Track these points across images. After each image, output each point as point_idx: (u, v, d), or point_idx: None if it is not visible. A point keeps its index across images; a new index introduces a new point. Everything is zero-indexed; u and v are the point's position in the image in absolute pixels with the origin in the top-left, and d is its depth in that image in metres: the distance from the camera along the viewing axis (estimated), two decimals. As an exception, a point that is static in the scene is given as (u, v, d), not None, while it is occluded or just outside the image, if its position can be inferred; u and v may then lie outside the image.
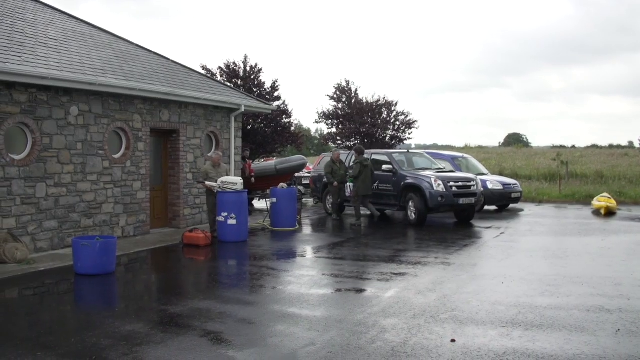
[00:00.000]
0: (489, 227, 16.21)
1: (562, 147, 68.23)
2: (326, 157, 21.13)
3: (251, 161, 20.01)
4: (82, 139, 12.85)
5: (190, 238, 13.10)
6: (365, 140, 32.17)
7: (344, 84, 34.35)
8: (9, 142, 11.49)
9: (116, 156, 13.83)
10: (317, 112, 34.78)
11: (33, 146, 11.85)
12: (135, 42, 17.91)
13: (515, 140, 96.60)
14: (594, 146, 68.25)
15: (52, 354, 6.12)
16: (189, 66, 18.53)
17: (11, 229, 11.35)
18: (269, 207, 16.33)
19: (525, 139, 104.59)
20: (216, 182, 13.79)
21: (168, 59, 17.99)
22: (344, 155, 20.15)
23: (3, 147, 11.22)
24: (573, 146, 70.45)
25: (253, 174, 19.32)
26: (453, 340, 6.53)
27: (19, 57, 11.61)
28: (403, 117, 33.34)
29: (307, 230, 16.26)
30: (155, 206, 15.29)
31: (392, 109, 33.37)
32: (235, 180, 13.83)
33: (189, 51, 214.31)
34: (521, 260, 11.45)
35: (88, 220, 13.00)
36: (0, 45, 11.71)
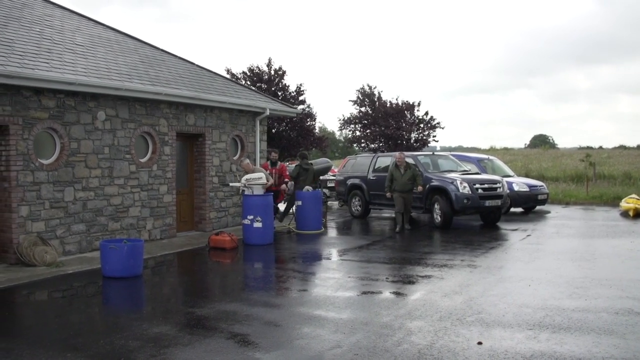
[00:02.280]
0: (515, 230, 16.09)
1: (589, 148, 67.34)
2: (351, 160, 21.12)
3: (283, 164, 17.62)
4: (109, 143, 12.99)
5: (216, 241, 13.17)
6: (390, 143, 32.11)
7: (366, 88, 34.35)
8: (38, 147, 11.65)
9: (143, 160, 13.96)
10: (339, 120, 34.80)
11: (61, 151, 12.01)
12: (161, 47, 18.08)
13: (541, 142, 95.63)
14: (622, 147, 67.30)
15: (81, 356, 6.19)
16: (213, 70, 18.65)
17: (40, 233, 11.50)
18: (294, 210, 16.37)
19: (551, 140, 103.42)
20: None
21: (193, 64, 18.12)
22: (366, 158, 20.10)
23: (32, 151, 11.38)
24: (600, 147, 69.52)
25: (288, 180, 16.59)
26: (480, 343, 6.50)
27: (47, 63, 11.77)
28: (427, 119, 33.23)
29: (332, 232, 16.27)
30: (181, 209, 15.40)
31: (416, 111, 33.28)
32: (259, 175, 14.00)
33: (212, 55, 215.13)
34: (548, 262, 11.34)
35: (115, 223, 13.13)
36: (29, 52, 11.89)
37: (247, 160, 14.91)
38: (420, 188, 16.11)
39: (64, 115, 11.99)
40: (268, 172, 15.21)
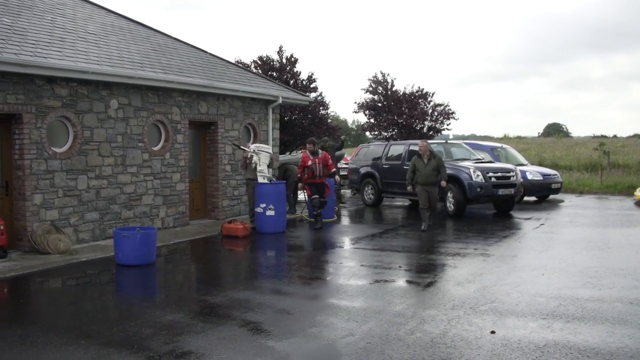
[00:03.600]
0: (529, 218, 16.01)
1: (603, 136, 66.89)
2: (364, 148, 21.08)
3: (326, 153, 15.17)
4: (122, 131, 13.01)
5: (229, 229, 13.20)
6: (403, 131, 31.96)
7: (379, 75, 34.13)
8: (51, 135, 11.68)
9: (155, 148, 13.98)
10: (356, 103, 34.59)
11: (74, 139, 12.04)
12: (173, 35, 18.06)
13: (554, 130, 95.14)
14: (637, 135, 66.68)
15: (95, 343, 6.22)
16: (225, 58, 18.61)
17: (54, 221, 11.56)
18: (306, 199, 16.34)
19: (565, 129, 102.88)
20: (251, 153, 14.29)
21: (205, 52, 18.09)
22: (378, 146, 20.12)
23: (45, 140, 11.42)
24: (615, 136, 69.06)
25: (334, 169, 15.42)
26: (493, 332, 6.48)
27: (60, 52, 11.78)
28: (441, 107, 33.03)
29: (345, 221, 16.25)
30: (194, 197, 15.44)
31: (429, 99, 33.07)
32: (267, 146, 14.51)
33: (222, 44, 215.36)
34: (562, 251, 11.28)
35: (128, 211, 13.17)
36: (41, 40, 11.90)
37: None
38: (444, 183, 14.38)
39: (77, 103, 12.02)
40: (310, 162, 14.28)
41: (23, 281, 9.28)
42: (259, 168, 13.93)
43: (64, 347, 6.09)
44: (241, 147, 14.79)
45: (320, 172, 14.42)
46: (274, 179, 14.88)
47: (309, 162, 14.41)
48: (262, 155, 14.10)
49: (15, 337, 6.47)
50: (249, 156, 14.22)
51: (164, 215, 14.12)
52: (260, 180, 13.93)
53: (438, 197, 14.68)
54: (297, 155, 23.12)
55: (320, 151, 14.74)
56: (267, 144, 14.68)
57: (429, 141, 19.69)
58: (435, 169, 14.14)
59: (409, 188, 14.73)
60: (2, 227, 10.52)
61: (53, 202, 11.59)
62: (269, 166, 14.58)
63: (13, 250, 11.11)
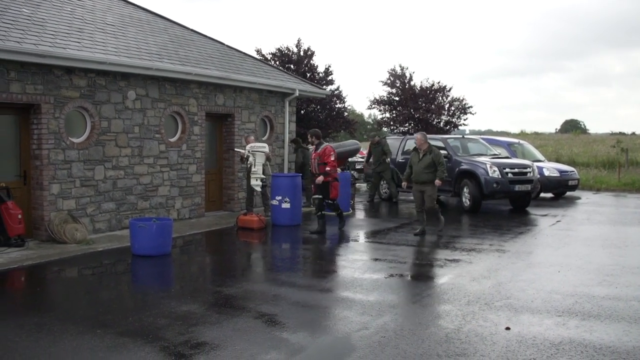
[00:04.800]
0: (545, 215, 15.91)
1: (621, 134, 66.42)
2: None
3: (328, 146, 13.26)
4: (139, 122, 13.06)
5: (244, 221, 13.22)
6: (420, 126, 31.86)
7: (397, 69, 34.05)
8: (69, 125, 11.75)
9: (172, 140, 14.02)
10: (369, 99, 34.53)
11: (92, 130, 12.10)
12: (190, 26, 18.09)
13: (572, 127, 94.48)
14: (656, 133, 66.21)
15: (110, 332, 6.25)
16: (243, 51, 18.62)
17: (71, 210, 11.63)
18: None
19: (582, 126, 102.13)
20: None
21: (223, 44, 18.11)
22: (395, 140, 20.12)
23: (63, 130, 11.49)
24: (633, 133, 68.46)
25: (329, 168, 12.76)
26: (508, 328, 6.45)
27: (79, 42, 11.84)
28: (458, 102, 32.90)
29: (360, 215, 16.23)
30: (210, 189, 15.48)
31: (447, 94, 32.95)
32: (263, 145, 13.87)
33: (241, 36, 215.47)
34: (578, 249, 11.21)
35: (144, 202, 13.23)
36: (60, 31, 11.96)
37: (252, 137, 14.91)
38: (438, 182, 12.44)
39: (95, 94, 12.07)
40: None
41: (40, 270, 9.35)
42: (253, 169, 13.51)
43: (80, 336, 6.14)
44: (235, 149, 14.69)
45: (316, 168, 12.90)
46: (267, 181, 14.27)
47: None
48: (258, 155, 13.55)
49: (32, 325, 6.52)
50: (245, 156, 13.74)
51: (179, 207, 14.17)
52: (253, 182, 13.55)
53: (435, 197, 12.82)
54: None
55: (323, 144, 13.03)
56: (263, 143, 14.33)
57: (446, 136, 19.62)
58: (430, 166, 12.41)
59: (404, 185, 13.31)
60: (20, 216, 10.60)
61: (70, 192, 11.66)
62: (265, 164, 13.93)
63: (30, 239, 11.19)
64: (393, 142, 20.07)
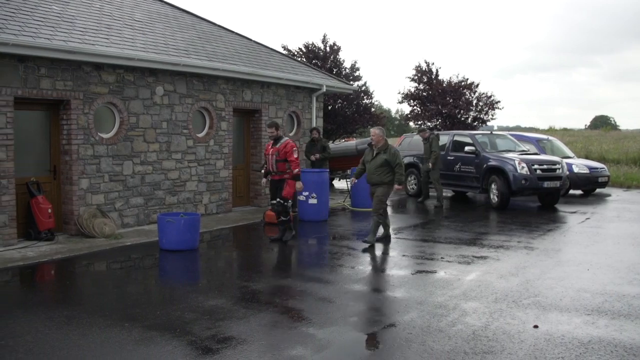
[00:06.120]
0: (574, 212, 15.72)
1: (653, 129, 65.30)
2: (408, 138, 20.95)
3: (289, 141, 11.29)
4: (167, 118, 13.14)
5: (271, 217, 13.20)
6: (447, 122, 31.64)
7: (423, 65, 33.81)
8: (98, 121, 11.86)
9: (200, 135, 14.09)
10: (400, 93, 34.30)
11: (120, 125, 12.20)
12: (218, 22, 18.15)
13: (602, 123, 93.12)
14: (688, 128, 65.02)
15: (138, 326, 6.30)
16: (270, 46, 18.65)
17: (100, 205, 11.75)
18: (349, 187, 16.34)
19: (613, 121, 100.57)
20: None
21: (250, 40, 18.14)
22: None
23: (92, 126, 11.60)
24: (665, 129, 67.33)
25: (297, 169, 11.08)
26: (536, 326, 6.38)
27: (107, 39, 11.93)
28: (486, 98, 32.59)
29: (387, 211, 16.14)
30: (237, 184, 15.54)
31: (474, 89, 32.66)
32: None
33: (267, 31, 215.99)
34: (608, 246, 11.05)
35: (172, 197, 13.31)
36: (89, 28, 12.06)
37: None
38: (398, 187, 11.10)
39: (123, 90, 12.16)
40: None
41: (69, 263, 9.46)
42: None
43: (108, 329, 6.19)
44: (259, 170, 14.64)
45: (274, 166, 11.12)
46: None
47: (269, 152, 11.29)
48: None
49: (62, 317, 6.60)
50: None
51: (207, 202, 14.24)
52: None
53: (385, 200, 11.27)
54: (339, 144, 23.11)
55: (284, 138, 11.25)
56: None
57: (474, 132, 19.46)
58: (383, 166, 11.00)
59: (353, 180, 12.35)
60: (50, 211, 10.73)
61: (99, 186, 11.78)
62: None
63: (60, 233, 11.33)
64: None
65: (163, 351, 5.61)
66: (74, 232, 11.31)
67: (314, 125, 17.56)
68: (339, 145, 23.19)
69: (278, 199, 11.14)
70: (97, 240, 10.93)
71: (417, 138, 19.83)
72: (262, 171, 11.75)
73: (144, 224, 12.63)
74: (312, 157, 15.87)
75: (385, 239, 11.33)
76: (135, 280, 8.73)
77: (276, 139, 11.15)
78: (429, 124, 32.63)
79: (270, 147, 11.21)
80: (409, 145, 20.13)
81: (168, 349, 5.68)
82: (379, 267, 9.21)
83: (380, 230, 11.40)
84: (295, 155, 10.99)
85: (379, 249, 10.72)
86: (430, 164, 16.70)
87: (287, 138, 11.30)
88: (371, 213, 11.34)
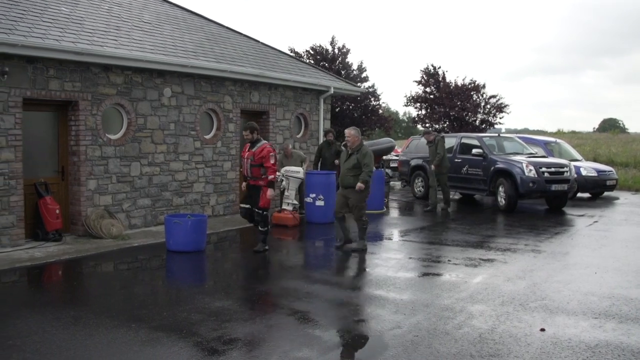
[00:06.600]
0: (582, 215, 15.67)
1: (662, 133, 65.00)
2: (415, 140, 20.94)
3: (266, 145, 10.34)
4: (175, 119, 13.16)
5: (278, 218, 13.26)
6: (455, 124, 31.63)
7: (430, 68, 33.84)
8: (106, 122, 11.89)
9: (207, 137, 14.12)
10: (406, 96, 34.31)
11: (128, 126, 12.23)
12: (226, 24, 18.19)
13: (611, 126, 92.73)
14: (698, 132, 64.63)
15: (145, 327, 6.31)
16: (278, 48, 18.67)
17: (107, 206, 11.77)
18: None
19: (621, 125, 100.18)
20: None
21: (258, 41, 18.16)
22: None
23: (100, 127, 11.63)
24: (674, 132, 66.96)
25: (273, 176, 10.25)
26: (542, 330, 6.36)
27: (116, 40, 11.96)
28: (494, 100, 32.58)
29: (394, 213, 16.17)
30: (244, 186, 15.53)
31: (482, 92, 32.65)
32: (297, 169, 13.69)
33: (274, 33, 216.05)
34: (616, 250, 11.01)
35: (180, 198, 13.34)
36: (98, 29, 12.10)
37: (291, 146, 14.99)
38: (360, 185, 10.38)
39: (131, 91, 12.20)
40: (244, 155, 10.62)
41: (76, 264, 9.49)
42: (286, 193, 13.57)
43: (115, 329, 6.21)
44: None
45: (249, 171, 10.36)
46: (297, 205, 13.74)
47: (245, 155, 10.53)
48: (292, 180, 13.54)
49: (69, 317, 6.62)
50: (278, 180, 13.23)
51: (214, 203, 14.26)
52: (284, 207, 13.53)
53: (363, 206, 10.76)
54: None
55: (262, 142, 10.39)
56: (299, 167, 13.99)
57: (481, 134, 19.41)
58: (355, 167, 10.53)
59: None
60: (57, 211, 10.76)
61: (107, 187, 11.81)
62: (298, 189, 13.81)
63: (68, 234, 11.36)
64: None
65: (169, 352, 5.62)
66: (82, 233, 11.34)
67: (321, 127, 17.56)
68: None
69: (256, 210, 10.37)
70: (104, 241, 10.95)
71: (425, 140, 19.83)
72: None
73: (151, 225, 12.65)
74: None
75: (343, 245, 10.92)
76: (142, 281, 8.74)
77: (252, 143, 10.39)
78: (437, 126, 32.62)
79: (246, 150, 10.51)
80: (416, 147, 20.11)
81: (174, 350, 5.69)
82: (385, 269, 9.19)
83: (359, 232, 11.08)
84: (272, 162, 10.19)
85: (385, 252, 10.71)
86: (433, 166, 16.35)
87: (264, 142, 10.43)
88: (338, 215, 10.95)
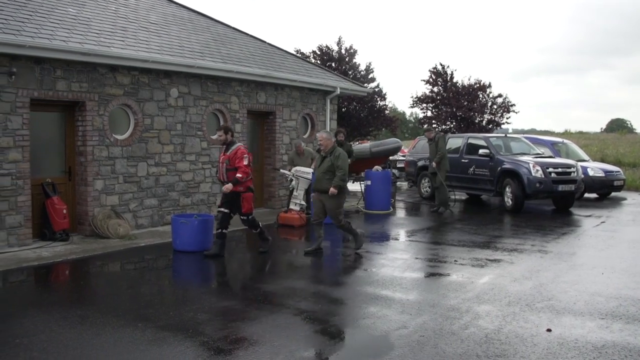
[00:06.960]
0: (589, 216, 15.61)
1: (670, 133, 64.72)
2: (422, 141, 20.89)
3: (240, 146, 10.14)
4: (182, 120, 13.19)
5: (285, 218, 13.27)
6: (462, 124, 31.55)
7: (439, 67, 33.77)
8: (113, 122, 11.92)
9: (214, 137, 14.13)
10: (412, 97, 34.25)
11: (135, 127, 12.26)
12: (232, 25, 18.21)
13: (618, 126, 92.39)
14: None
15: (151, 326, 6.32)
16: (284, 49, 18.68)
17: (114, 206, 11.81)
18: (363, 190, 16.33)
19: (629, 125, 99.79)
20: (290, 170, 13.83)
21: (264, 42, 18.18)
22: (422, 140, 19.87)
23: (107, 127, 11.66)
24: (682, 133, 66.69)
25: (240, 175, 9.83)
26: (549, 330, 6.34)
27: (122, 41, 12.00)
28: (501, 100, 32.49)
29: (401, 213, 16.15)
30: (250, 187, 15.54)
31: (489, 92, 32.56)
32: (307, 170, 13.64)
33: (281, 33, 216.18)
34: (623, 250, 10.96)
35: (186, 198, 13.36)
36: (104, 30, 12.14)
37: (303, 144, 14.92)
38: (332, 190, 10.18)
39: (138, 92, 12.23)
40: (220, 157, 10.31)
41: (83, 264, 9.51)
42: (295, 193, 13.62)
43: (121, 329, 6.22)
44: (281, 169, 14.70)
45: (224, 175, 10.04)
46: (304, 205, 13.62)
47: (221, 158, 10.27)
48: (302, 181, 13.57)
49: (75, 317, 6.64)
50: (288, 179, 13.79)
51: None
52: (292, 207, 13.56)
53: (340, 211, 10.63)
54: (357, 145, 23.10)
55: (236, 144, 10.15)
56: (310, 168, 13.77)
57: (488, 135, 19.35)
58: (331, 171, 10.29)
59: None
60: (64, 211, 10.80)
61: (113, 187, 11.84)
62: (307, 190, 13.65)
63: (75, 233, 11.40)
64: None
65: (175, 351, 5.63)
66: (89, 233, 11.37)
67: (328, 127, 17.56)
68: (355, 147, 23.19)
69: (241, 217, 10.21)
70: (111, 241, 10.98)
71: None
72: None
73: (157, 225, 12.68)
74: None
75: (316, 251, 10.54)
76: (149, 280, 8.76)
77: (227, 145, 10.09)
78: (444, 126, 32.55)
79: (222, 154, 10.22)
80: (423, 148, 20.00)
81: (180, 349, 5.69)
82: (392, 270, 9.18)
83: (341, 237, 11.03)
84: (245, 162, 9.85)
85: (391, 252, 10.71)
86: (434, 164, 16.06)
87: (239, 144, 10.16)
88: (315, 221, 10.75)
